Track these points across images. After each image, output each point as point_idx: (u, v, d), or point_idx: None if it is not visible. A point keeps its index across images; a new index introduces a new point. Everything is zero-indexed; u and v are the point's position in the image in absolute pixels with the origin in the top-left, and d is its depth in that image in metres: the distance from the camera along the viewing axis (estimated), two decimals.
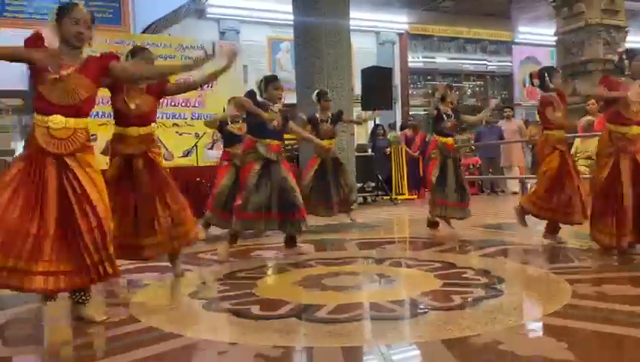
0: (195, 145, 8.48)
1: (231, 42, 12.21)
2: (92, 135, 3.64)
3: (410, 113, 15.31)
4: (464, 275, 3.26)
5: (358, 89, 9.36)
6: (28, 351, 2.33)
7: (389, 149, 9.79)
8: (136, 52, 3.43)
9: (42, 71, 2.46)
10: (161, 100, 3.53)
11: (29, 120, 11.19)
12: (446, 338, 2.10)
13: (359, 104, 9.15)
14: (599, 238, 3.78)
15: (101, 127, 7.86)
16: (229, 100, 5.21)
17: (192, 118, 9.46)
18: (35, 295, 2.67)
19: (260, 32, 13.71)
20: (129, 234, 3.21)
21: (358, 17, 11.69)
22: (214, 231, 5.36)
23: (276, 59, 13.75)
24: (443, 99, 4.98)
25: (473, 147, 11.38)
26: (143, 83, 3.26)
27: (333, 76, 7.72)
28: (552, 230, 4.37)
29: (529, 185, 10.27)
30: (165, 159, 7.44)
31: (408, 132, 10.62)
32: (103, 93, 3.06)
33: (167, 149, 8.65)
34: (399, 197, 9.42)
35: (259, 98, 4.14)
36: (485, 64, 16.96)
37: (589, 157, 6.50)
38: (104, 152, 7.21)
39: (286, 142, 5.73)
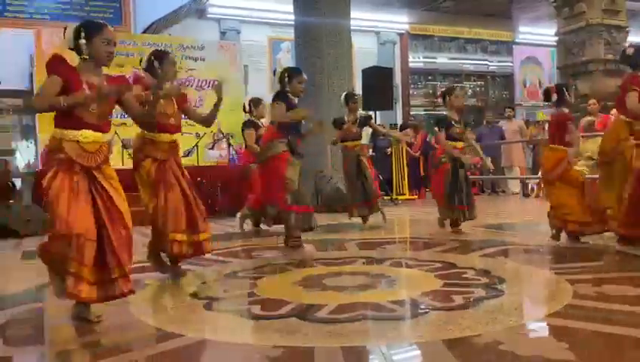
0: (196, 145, 8.49)
1: (232, 42, 12.24)
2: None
3: (411, 113, 15.32)
4: (465, 275, 3.26)
5: (358, 89, 9.35)
6: (28, 351, 2.33)
7: (389, 149, 9.78)
8: (161, 57, 3.41)
9: (73, 90, 2.45)
10: None
11: (29, 120, 11.19)
12: (446, 339, 2.09)
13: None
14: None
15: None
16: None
17: None
18: (34, 295, 2.66)
19: (260, 32, 13.72)
20: (187, 232, 3.35)
21: (359, 17, 11.70)
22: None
23: (277, 59, 13.74)
24: (451, 105, 5.02)
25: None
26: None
27: (333, 76, 7.72)
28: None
29: (529, 185, 10.30)
30: None
31: (409, 132, 10.62)
32: None
33: None
34: (400, 197, 9.41)
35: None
36: (486, 64, 16.97)
37: (589, 158, 6.49)
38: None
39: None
